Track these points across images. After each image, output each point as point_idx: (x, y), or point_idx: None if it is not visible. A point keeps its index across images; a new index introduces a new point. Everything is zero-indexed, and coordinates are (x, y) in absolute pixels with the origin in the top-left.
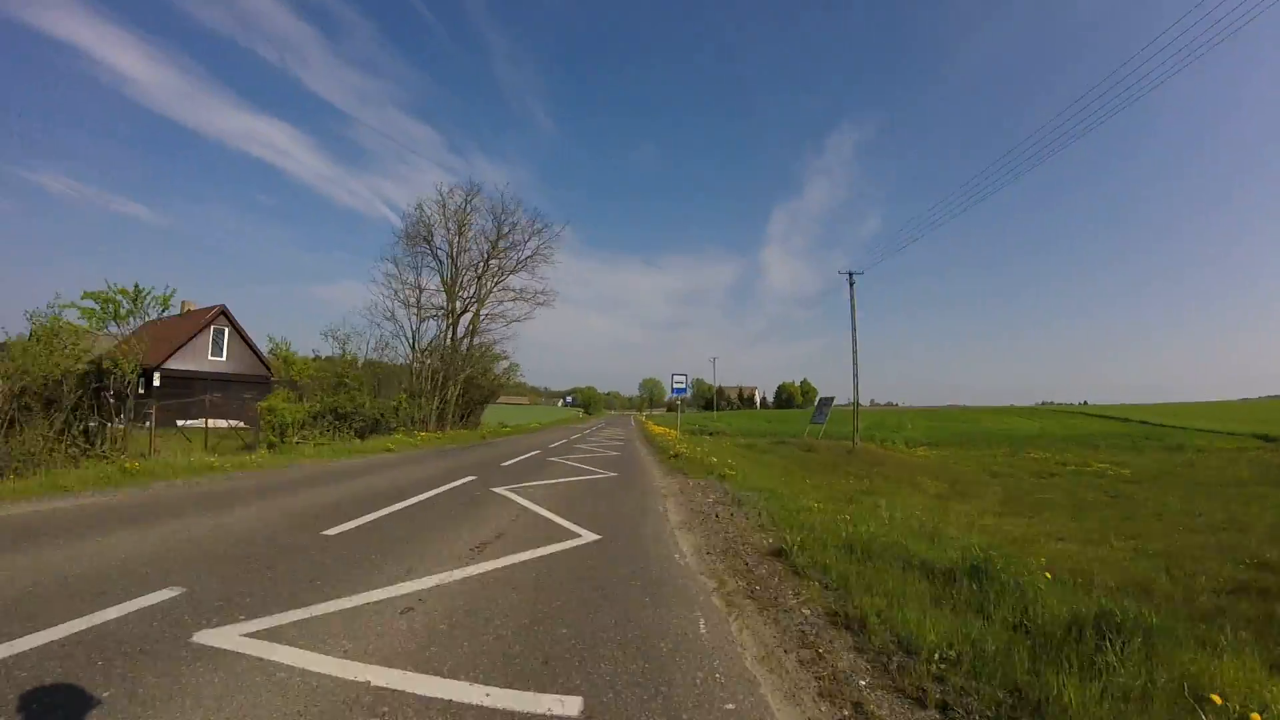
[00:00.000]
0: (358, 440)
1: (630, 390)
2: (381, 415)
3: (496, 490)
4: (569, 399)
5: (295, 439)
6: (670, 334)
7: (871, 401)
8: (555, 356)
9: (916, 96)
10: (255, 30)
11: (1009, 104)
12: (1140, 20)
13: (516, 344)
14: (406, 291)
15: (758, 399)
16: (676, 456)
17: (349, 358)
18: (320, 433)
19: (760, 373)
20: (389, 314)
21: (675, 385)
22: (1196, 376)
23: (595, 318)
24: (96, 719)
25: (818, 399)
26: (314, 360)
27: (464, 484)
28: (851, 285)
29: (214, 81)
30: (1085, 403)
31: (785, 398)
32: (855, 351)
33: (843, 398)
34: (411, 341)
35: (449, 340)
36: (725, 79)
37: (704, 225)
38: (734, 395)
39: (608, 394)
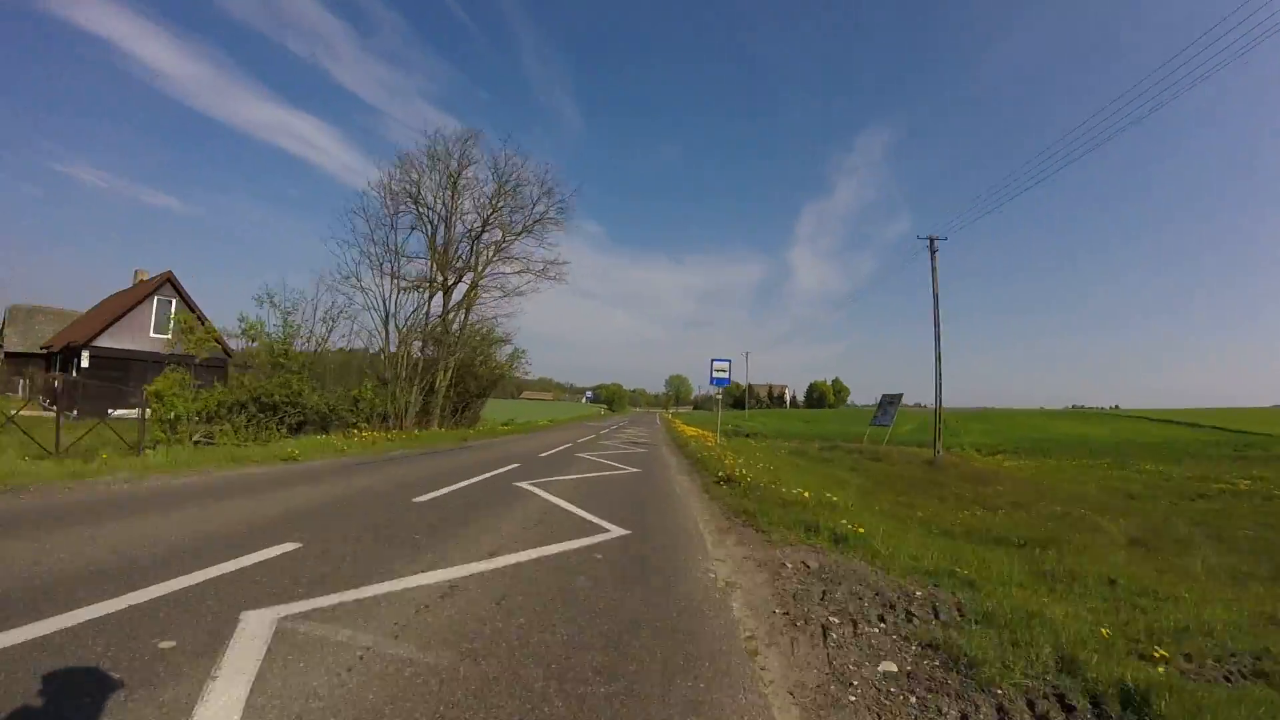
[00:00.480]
0: (293, 440)
1: (656, 387)
2: (331, 408)
3: (251, 621)
4: (589, 395)
5: (195, 435)
6: (694, 332)
7: None
8: (581, 353)
9: (946, 97)
10: (286, 24)
11: (1041, 104)
12: (1172, 17)
13: (541, 339)
14: (383, 254)
15: (787, 398)
16: (730, 481)
17: (290, 330)
18: (238, 429)
19: (784, 372)
20: (352, 277)
21: (716, 374)
22: (1232, 382)
23: (621, 315)
24: None
25: (880, 397)
26: (250, 328)
27: (198, 585)
28: (933, 253)
29: (244, 75)
30: (1117, 406)
31: (816, 397)
32: (938, 337)
33: (867, 397)
34: (385, 315)
35: (439, 317)
36: (753, 78)
37: (729, 225)
38: (763, 394)
39: (633, 391)
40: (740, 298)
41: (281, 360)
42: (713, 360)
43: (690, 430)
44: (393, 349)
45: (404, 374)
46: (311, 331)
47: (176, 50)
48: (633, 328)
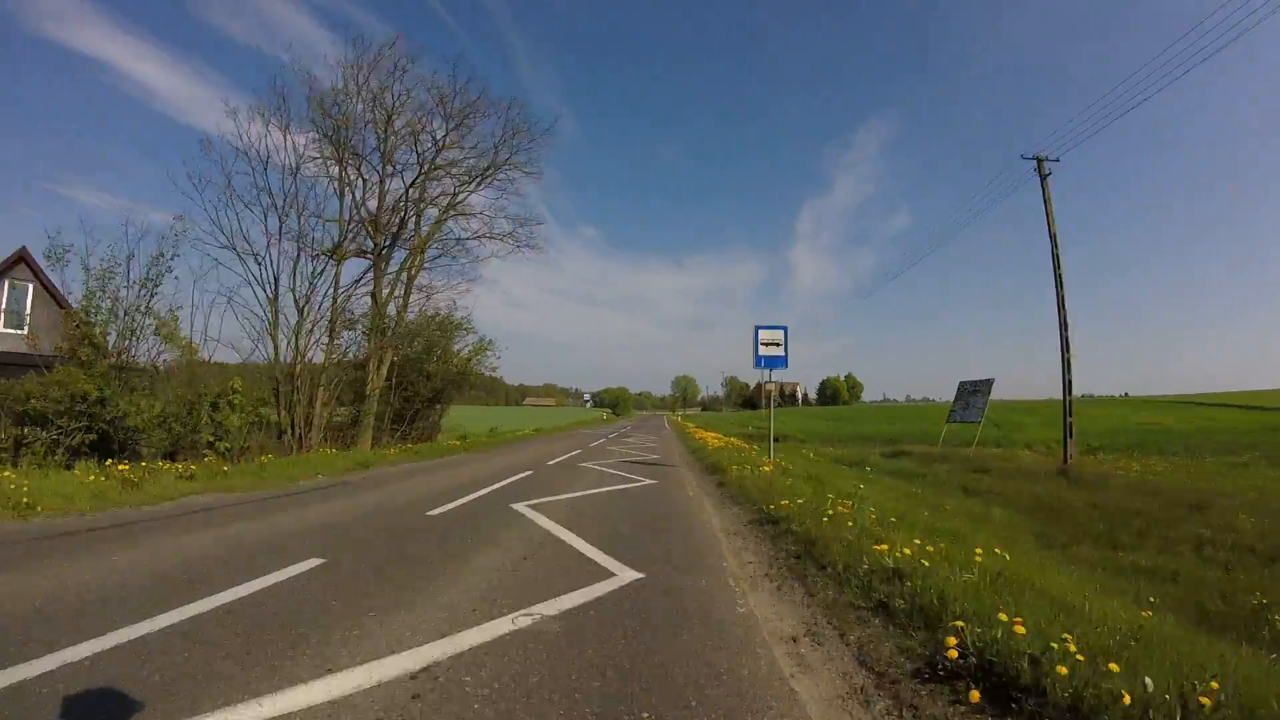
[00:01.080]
0: (67, 472)
1: (662, 389)
2: (164, 422)
3: None
4: (588, 399)
5: None
6: (698, 333)
7: (908, 397)
8: (586, 358)
9: (940, 89)
10: (280, 41)
11: (1033, 95)
12: (1165, 7)
13: (545, 345)
14: (269, 204)
15: (799, 395)
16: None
17: (93, 301)
18: None
19: (790, 370)
20: (187, 223)
21: (764, 351)
22: (1236, 366)
23: (623, 319)
24: None
25: (959, 385)
26: None
27: None
28: (1044, 178)
29: (237, 91)
30: (1127, 394)
31: (830, 394)
32: (1061, 299)
33: (874, 393)
34: (273, 287)
35: (355, 288)
36: (750, 77)
37: (731, 225)
38: (774, 392)
39: (639, 394)
40: (743, 297)
41: (79, 354)
42: (757, 329)
43: (711, 438)
44: (283, 342)
45: (300, 373)
46: (124, 301)
47: (171, 69)
48: (636, 331)
